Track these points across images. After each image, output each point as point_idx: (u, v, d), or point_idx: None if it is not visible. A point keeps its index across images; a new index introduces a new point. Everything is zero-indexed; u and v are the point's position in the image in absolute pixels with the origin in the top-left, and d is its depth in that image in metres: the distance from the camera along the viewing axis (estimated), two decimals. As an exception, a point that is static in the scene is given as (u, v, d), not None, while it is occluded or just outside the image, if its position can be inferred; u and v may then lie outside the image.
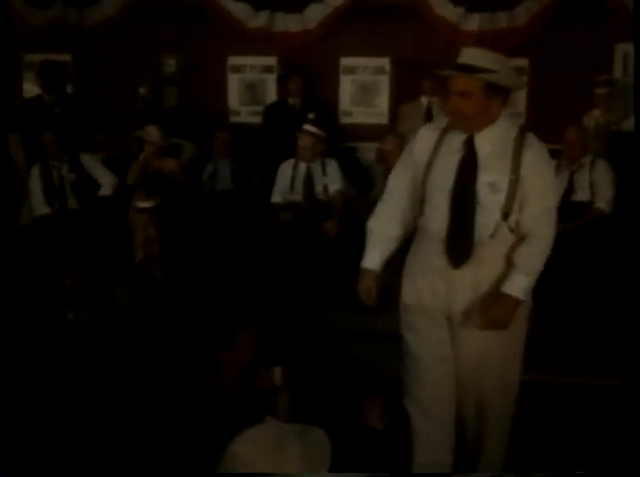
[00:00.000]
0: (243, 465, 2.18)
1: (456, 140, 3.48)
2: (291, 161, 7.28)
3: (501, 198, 3.36)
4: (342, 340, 5.55)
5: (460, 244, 3.43)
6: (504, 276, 3.44)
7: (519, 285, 3.41)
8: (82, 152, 7.26)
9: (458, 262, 3.44)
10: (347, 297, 6.18)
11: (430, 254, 3.54)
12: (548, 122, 7.16)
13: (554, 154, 7.50)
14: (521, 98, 8.30)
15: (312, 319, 5.76)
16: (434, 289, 3.57)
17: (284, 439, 2.24)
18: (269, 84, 8.76)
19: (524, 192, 3.39)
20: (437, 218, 3.47)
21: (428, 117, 7.80)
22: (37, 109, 7.32)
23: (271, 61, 8.72)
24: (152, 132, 7.27)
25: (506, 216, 3.41)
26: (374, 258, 3.79)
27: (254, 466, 2.16)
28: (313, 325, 5.68)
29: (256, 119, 8.55)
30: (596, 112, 7.74)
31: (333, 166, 7.29)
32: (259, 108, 8.60)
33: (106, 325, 5.71)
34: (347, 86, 8.68)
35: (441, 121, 3.65)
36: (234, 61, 8.77)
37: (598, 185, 6.73)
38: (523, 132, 3.45)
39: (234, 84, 8.82)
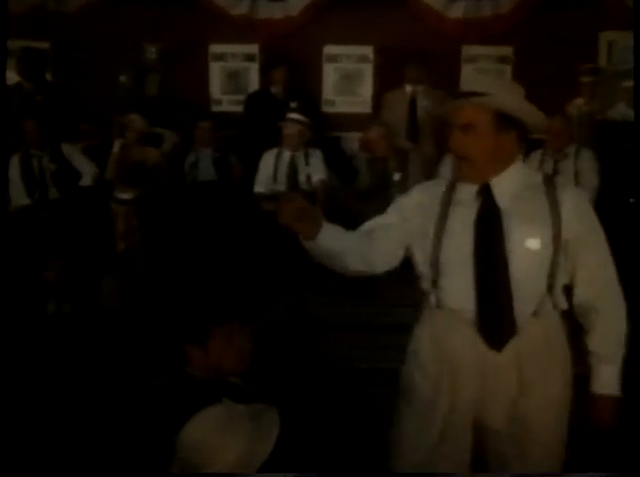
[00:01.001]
0: (191, 448, 2.26)
1: (466, 192, 2.76)
2: (274, 151, 7.23)
3: (541, 262, 2.66)
4: (323, 330, 5.55)
5: (498, 323, 2.70)
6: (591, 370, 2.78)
7: (611, 380, 2.75)
8: (63, 142, 7.17)
9: (497, 343, 2.71)
10: (330, 288, 6.25)
11: (456, 337, 2.77)
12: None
13: (538, 144, 7.62)
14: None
15: (296, 311, 5.73)
16: (464, 384, 2.78)
17: (233, 420, 2.33)
18: (252, 73, 8.68)
19: (571, 254, 2.70)
20: (460, 292, 2.73)
21: (412, 106, 7.77)
22: (17, 97, 7.23)
23: (254, 49, 8.63)
24: (135, 119, 7.19)
25: (550, 287, 2.69)
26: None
27: (202, 448, 2.25)
28: (296, 317, 5.66)
29: (239, 108, 8.45)
30: (580, 101, 7.71)
31: (316, 156, 7.25)
32: (242, 97, 8.50)
33: (89, 317, 5.66)
34: (330, 75, 8.61)
35: (444, 178, 2.98)
36: (215, 48, 8.67)
37: (583, 174, 6.71)
38: (550, 177, 2.82)
39: (215, 73, 8.74)
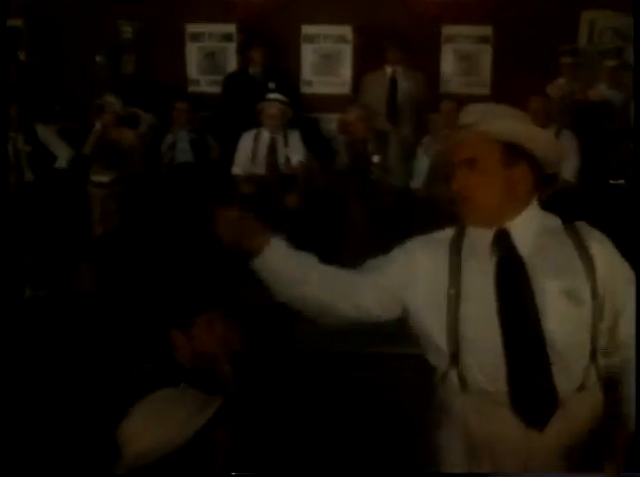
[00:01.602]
0: (129, 436, 2.29)
1: (480, 240, 2.33)
2: (252, 132, 7.16)
3: (582, 322, 2.21)
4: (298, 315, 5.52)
5: (537, 404, 2.25)
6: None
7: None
8: (38, 123, 7.06)
9: (537, 423, 2.26)
10: None
11: (492, 423, 2.30)
12: (511, 91, 7.09)
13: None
14: (485, 68, 8.24)
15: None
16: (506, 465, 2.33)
17: (164, 406, 2.35)
18: (229, 53, 8.58)
19: (608, 310, 2.26)
20: (489, 369, 2.25)
21: (392, 87, 7.71)
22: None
23: (231, 28, 8.52)
24: (112, 101, 7.09)
25: (594, 353, 2.26)
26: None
27: (137, 436, 2.27)
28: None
29: (216, 89, 8.34)
30: (561, 81, 7.69)
31: (295, 137, 7.18)
32: (219, 78, 8.39)
33: (66, 302, 5.59)
34: (308, 55, 8.53)
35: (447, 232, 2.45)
36: (192, 28, 8.55)
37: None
38: (568, 223, 2.37)
39: (192, 53, 8.62)
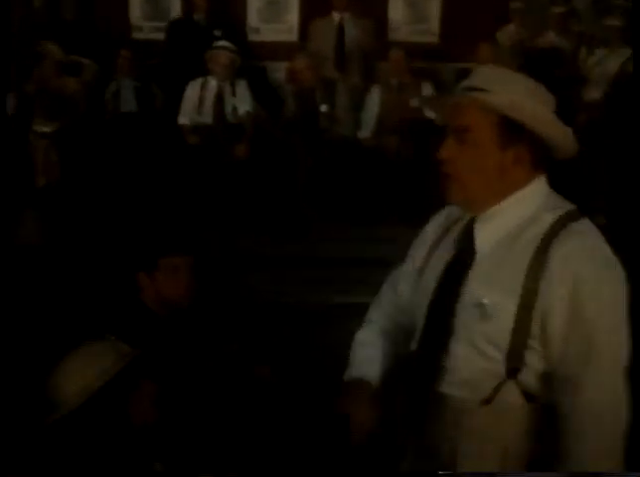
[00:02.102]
0: (55, 385, 2.45)
1: (459, 226, 2.14)
2: (199, 80, 7.04)
3: (495, 331, 1.94)
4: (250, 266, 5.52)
5: (427, 407, 2.09)
6: None
7: None
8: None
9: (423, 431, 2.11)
10: (257, 222, 6.20)
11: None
12: (460, 39, 7.07)
13: (467, 74, 7.51)
14: (434, 15, 8.16)
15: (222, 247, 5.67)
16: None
17: (89, 358, 2.48)
18: (172, -3, 8.38)
19: (548, 330, 1.91)
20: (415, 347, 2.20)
21: (340, 35, 7.61)
22: None
23: (173, -28, 8.31)
24: (51, 48, 6.89)
25: (514, 370, 1.95)
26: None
27: (61, 384, 2.43)
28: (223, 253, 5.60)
29: (160, 36, 8.13)
30: (511, 27, 7.67)
31: (243, 86, 7.08)
32: (163, 24, 8.18)
33: (8, 254, 5.47)
34: (254, 1, 8.34)
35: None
36: (133, -29, 8.32)
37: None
38: (567, 218, 1.97)
39: (134, -3, 8.40)
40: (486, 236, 2.02)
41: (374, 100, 7.07)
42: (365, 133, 7.06)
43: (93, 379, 2.40)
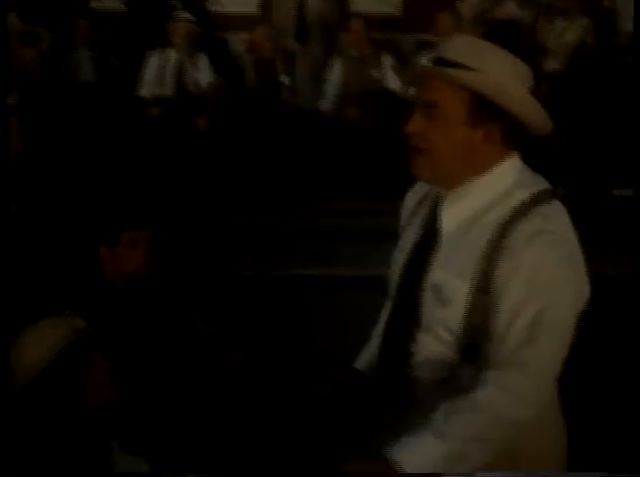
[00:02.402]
0: (14, 358, 2.39)
1: (429, 203, 2.05)
2: (159, 52, 6.97)
3: (450, 316, 1.87)
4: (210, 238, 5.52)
5: (391, 383, 2.04)
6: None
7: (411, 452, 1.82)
8: None
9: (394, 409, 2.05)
10: (218, 192, 6.18)
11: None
12: (421, 10, 7.06)
13: (427, 45, 7.53)
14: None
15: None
16: None
17: (44, 333, 2.48)
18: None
19: (500, 315, 1.83)
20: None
21: (301, 6, 7.58)
22: None
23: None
24: (9, 18, 6.78)
25: (471, 353, 1.88)
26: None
27: (18, 357, 2.40)
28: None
29: (120, 6, 8.04)
30: (472, -1, 7.66)
31: (203, 58, 7.05)
32: (123, -6, 8.09)
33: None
34: (215, -28, 8.27)
35: None
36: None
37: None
38: (533, 200, 1.86)
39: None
40: (452, 216, 1.92)
41: (335, 72, 7.04)
42: (326, 105, 7.03)
43: (44, 353, 2.41)
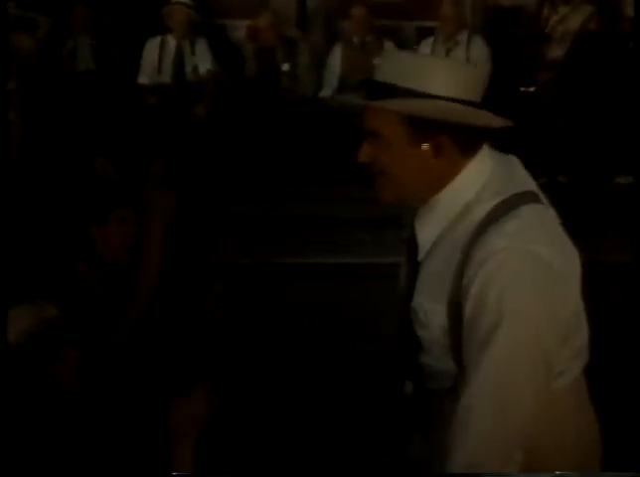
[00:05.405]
0: None
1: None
2: (157, 39, 6.95)
3: (430, 337, 1.87)
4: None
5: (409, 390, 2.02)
6: None
7: None
8: None
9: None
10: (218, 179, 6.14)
11: None
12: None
13: (428, 32, 7.50)
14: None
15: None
16: None
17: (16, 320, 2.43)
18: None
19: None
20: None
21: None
22: None
23: None
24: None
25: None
26: None
27: None
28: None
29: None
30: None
31: (203, 44, 7.00)
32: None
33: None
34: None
35: None
36: None
37: (475, 62, 6.65)
38: (499, 212, 1.76)
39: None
40: (424, 235, 1.88)
41: (336, 59, 7.00)
42: (326, 92, 6.99)
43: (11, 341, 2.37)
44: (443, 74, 1.79)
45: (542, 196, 1.86)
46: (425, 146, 1.78)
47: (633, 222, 4.12)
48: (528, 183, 1.85)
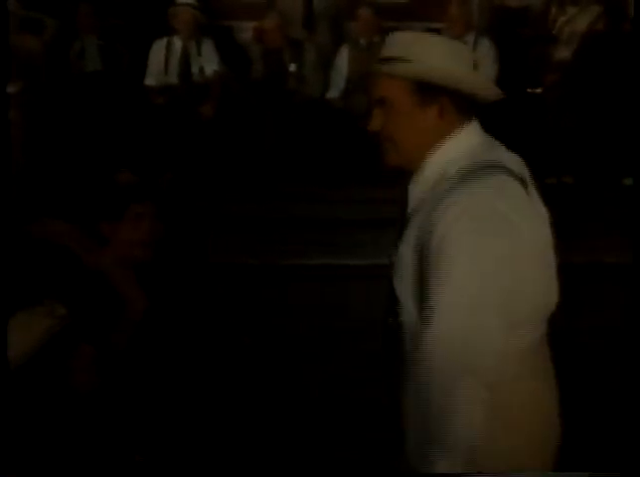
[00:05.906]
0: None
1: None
2: (164, 40, 6.95)
3: (406, 285, 2.02)
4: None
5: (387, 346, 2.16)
6: None
7: None
8: None
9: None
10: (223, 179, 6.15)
11: None
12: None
13: (435, 33, 7.43)
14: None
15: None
16: None
17: (27, 322, 2.44)
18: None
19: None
20: None
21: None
22: None
23: None
24: (10, 3, 6.73)
25: None
26: None
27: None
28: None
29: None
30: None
31: (209, 46, 6.99)
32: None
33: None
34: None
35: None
36: None
37: (482, 63, 6.65)
38: (473, 172, 1.97)
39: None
40: (413, 193, 2.08)
41: (343, 60, 7.00)
42: (333, 93, 6.99)
43: (29, 344, 2.38)
44: (441, 45, 2.06)
45: (525, 177, 2.02)
46: (434, 106, 2.02)
47: (633, 222, 4.11)
48: (510, 161, 2.02)
